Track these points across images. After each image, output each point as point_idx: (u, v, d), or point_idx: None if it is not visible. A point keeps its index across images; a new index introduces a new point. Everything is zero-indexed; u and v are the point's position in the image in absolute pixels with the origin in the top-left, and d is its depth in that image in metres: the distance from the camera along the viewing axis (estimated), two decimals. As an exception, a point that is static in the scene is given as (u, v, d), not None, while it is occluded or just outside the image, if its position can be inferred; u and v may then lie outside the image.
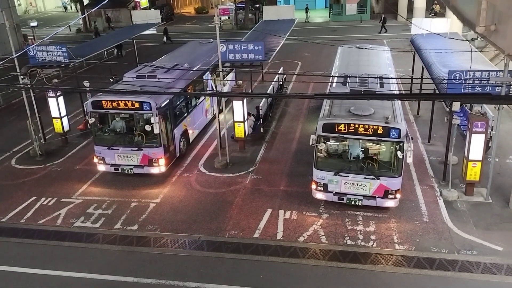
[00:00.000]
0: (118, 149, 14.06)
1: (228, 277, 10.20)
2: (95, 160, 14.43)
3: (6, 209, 13.29)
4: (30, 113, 16.47)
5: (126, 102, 13.54)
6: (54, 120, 16.86)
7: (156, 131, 13.22)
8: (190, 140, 16.57)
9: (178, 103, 15.50)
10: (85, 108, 15.42)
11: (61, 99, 16.63)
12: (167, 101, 14.22)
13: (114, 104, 13.65)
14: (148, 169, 14.09)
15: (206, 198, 13.40)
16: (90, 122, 14.01)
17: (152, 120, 13.12)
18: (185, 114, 16.04)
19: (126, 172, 14.18)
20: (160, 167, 14.07)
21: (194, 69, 17.05)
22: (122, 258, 11.06)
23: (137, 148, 13.96)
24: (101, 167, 14.47)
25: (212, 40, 21.37)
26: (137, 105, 13.51)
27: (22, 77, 15.87)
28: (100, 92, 14.46)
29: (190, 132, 16.42)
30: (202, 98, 17.45)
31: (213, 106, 18.86)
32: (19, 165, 16.16)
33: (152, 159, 13.94)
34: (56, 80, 18.11)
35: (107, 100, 13.65)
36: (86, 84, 15.22)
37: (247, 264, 10.58)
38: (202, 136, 17.76)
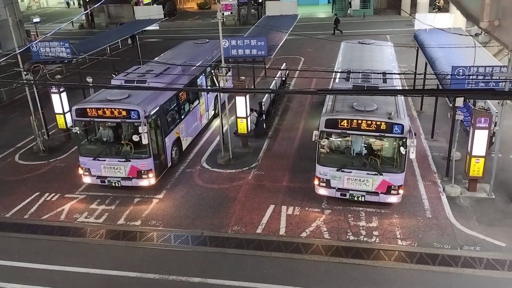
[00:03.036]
0: (104, 160, 13.10)
1: (231, 273, 10.23)
2: (80, 171, 13.46)
3: (10, 205, 13.36)
4: (33, 109, 16.53)
5: (112, 110, 12.66)
6: (57, 116, 16.88)
7: (145, 141, 12.33)
8: (183, 148, 15.66)
9: (170, 109, 14.55)
10: None
11: (64, 95, 16.65)
12: (157, 108, 13.31)
13: (100, 112, 12.76)
14: (137, 181, 13.14)
15: (209, 193, 13.42)
16: (73, 131, 13.05)
17: (141, 129, 12.17)
18: (178, 121, 15.05)
19: (113, 184, 13.22)
20: (149, 179, 13.14)
21: (188, 72, 15.98)
22: (125, 253, 11.11)
23: (124, 159, 12.99)
24: (87, 179, 13.47)
25: (207, 40, 21.03)
26: (124, 113, 12.61)
27: (25, 73, 15.93)
28: (103, 88, 14.30)
29: (183, 140, 15.49)
30: (196, 102, 16.78)
31: (208, 111, 18.21)
32: (22, 161, 16.21)
33: (141, 170, 12.98)
34: (59, 76, 18.17)
35: (92, 108, 12.80)
36: (89, 80, 15.22)
37: (250, 260, 10.62)
38: (204, 132, 17.77)
